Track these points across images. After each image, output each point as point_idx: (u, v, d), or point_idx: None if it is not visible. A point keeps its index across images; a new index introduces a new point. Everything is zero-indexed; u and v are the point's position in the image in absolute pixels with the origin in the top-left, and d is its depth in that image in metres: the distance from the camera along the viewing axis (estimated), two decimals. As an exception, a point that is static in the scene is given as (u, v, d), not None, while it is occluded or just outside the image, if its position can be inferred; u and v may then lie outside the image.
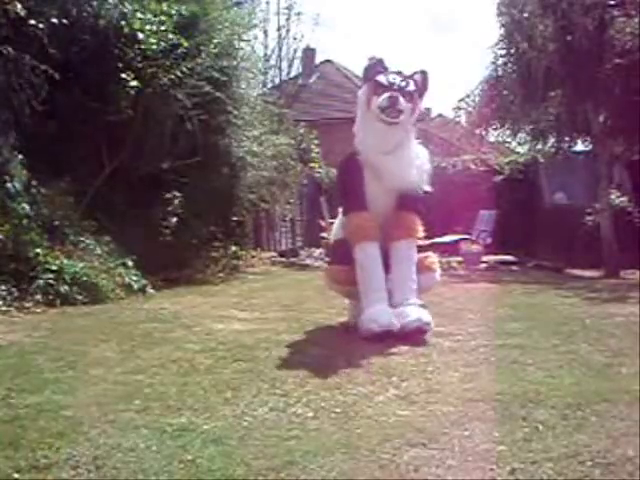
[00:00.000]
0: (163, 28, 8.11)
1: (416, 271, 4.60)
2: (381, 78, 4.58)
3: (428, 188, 4.89)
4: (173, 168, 8.53)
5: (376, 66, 4.72)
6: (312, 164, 14.29)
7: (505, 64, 11.35)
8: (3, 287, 5.90)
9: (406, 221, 4.63)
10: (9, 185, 6.35)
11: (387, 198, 4.61)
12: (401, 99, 4.51)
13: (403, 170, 4.57)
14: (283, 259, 12.53)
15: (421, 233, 4.73)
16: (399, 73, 4.65)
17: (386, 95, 4.46)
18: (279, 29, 22.23)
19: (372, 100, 4.56)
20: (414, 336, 4.22)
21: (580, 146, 12.67)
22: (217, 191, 9.13)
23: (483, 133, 13.03)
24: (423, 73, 4.72)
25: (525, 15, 10.51)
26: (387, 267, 4.53)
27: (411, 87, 4.59)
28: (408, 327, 4.24)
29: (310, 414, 2.79)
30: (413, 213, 4.70)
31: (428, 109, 34.48)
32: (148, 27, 8.07)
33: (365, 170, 4.61)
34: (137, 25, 8.02)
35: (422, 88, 4.70)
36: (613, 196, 11.97)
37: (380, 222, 4.58)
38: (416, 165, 4.69)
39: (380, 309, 4.32)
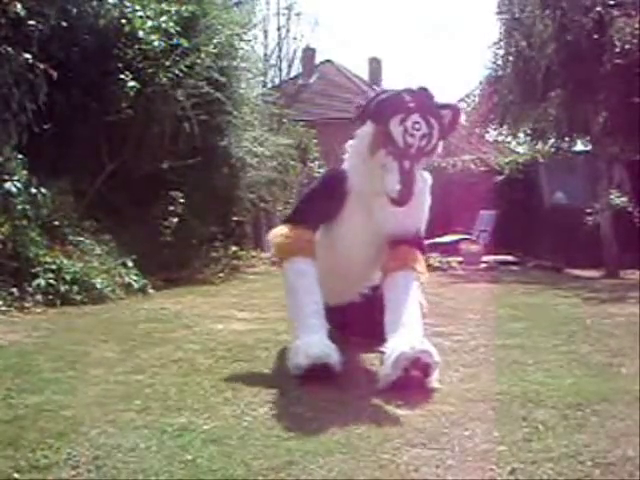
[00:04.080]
0: (164, 26, 8.11)
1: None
2: (396, 130, 3.48)
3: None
4: (173, 168, 8.53)
5: (392, 101, 3.59)
6: (312, 164, 14.28)
7: (505, 64, 11.36)
8: (3, 287, 5.90)
9: (400, 253, 3.73)
10: (9, 185, 6.34)
11: (374, 237, 3.84)
12: (417, 177, 3.58)
13: (402, 216, 3.70)
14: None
15: (422, 268, 3.81)
16: (422, 110, 3.53)
17: (397, 186, 3.43)
18: (279, 29, 22.28)
19: (378, 153, 3.57)
20: (414, 374, 3.18)
21: (580, 146, 12.68)
22: (217, 191, 9.13)
23: (483, 133, 13.04)
24: (454, 109, 3.75)
25: (525, 14, 10.51)
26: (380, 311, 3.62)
27: (433, 140, 3.57)
28: (405, 356, 3.15)
29: (310, 414, 2.79)
30: (410, 246, 3.81)
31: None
32: (149, 24, 8.07)
33: (350, 198, 3.82)
34: (137, 23, 8.02)
35: (450, 128, 3.69)
36: (613, 196, 11.98)
37: (358, 262, 3.93)
38: (418, 204, 3.82)
39: (312, 339, 3.36)
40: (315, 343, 3.32)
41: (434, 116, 3.56)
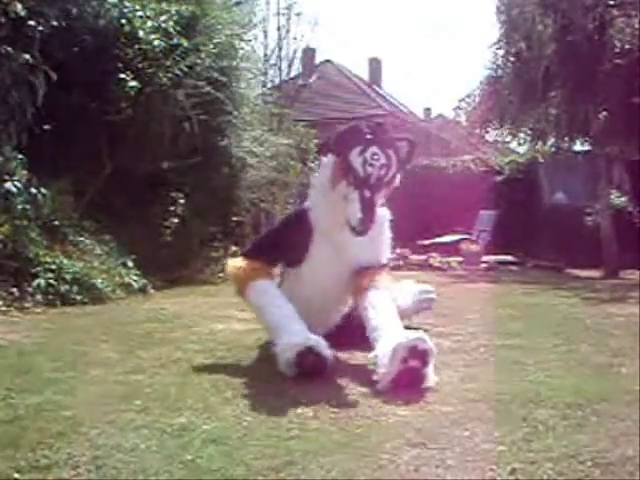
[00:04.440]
0: (164, 26, 8.11)
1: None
2: (356, 160, 3.62)
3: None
4: (173, 168, 8.53)
5: (351, 134, 3.73)
6: (312, 164, 14.29)
7: (505, 64, 11.37)
8: (3, 287, 5.90)
9: (368, 275, 3.84)
10: (9, 185, 6.35)
11: (342, 269, 3.91)
12: (378, 210, 3.73)
13: (368, 248, 3.85)
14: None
15: (389, 284, 3.97)
16: (380, 143, 3.68)
17: (358, 214, 3.53)
18: (279, 29, 22.20)
19: (339, 185, 3.69)
20: (413, 364, 3.15)
21: (580, 146, 12.69)
22: (217, 191, 9.13)
23: (483, 133, 13.05)
24: (410, 141, 3.90)
25: (525, 15, 10.51)
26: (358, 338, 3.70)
27: (392, 171, 3.72)
28: (402, 346, 3.16)
29: (310, 414, 2.79)
30: (375, 270, 3.92)
31: (428, 109, 34.69)
32: (149, 24, 8.08)
33: (315, 235, 3.90)
34: (137, 23, 8.03)
35: (407, 160, 3.85)
36: (613, 196, 11.99)
37: (331, 295, 3.99)
38: (382, 236, 4.02)
39: (293, 332, 3.44)
40: (296, 333, 3.41)
41: (392, 148, 3.73)
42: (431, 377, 3.20)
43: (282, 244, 3.97)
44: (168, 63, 8.03)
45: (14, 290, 5.91)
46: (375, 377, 3.21)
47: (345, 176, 3.66)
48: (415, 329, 3.55)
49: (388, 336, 3.34)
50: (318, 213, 3.92)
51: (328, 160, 3.88)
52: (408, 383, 3.10)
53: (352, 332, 3.81)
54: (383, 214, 4.02)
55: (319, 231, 3.91)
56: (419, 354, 3.14)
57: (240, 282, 3.95)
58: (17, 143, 6.67)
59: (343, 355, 3.78)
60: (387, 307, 3.67)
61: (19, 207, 6.39)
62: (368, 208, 3.57)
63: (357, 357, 3.80)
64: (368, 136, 3.69)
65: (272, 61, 21.11)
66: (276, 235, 4.19)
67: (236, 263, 4.06)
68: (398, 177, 3.82)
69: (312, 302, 3.92)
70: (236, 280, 4.01)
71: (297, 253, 3.92)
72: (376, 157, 3.66)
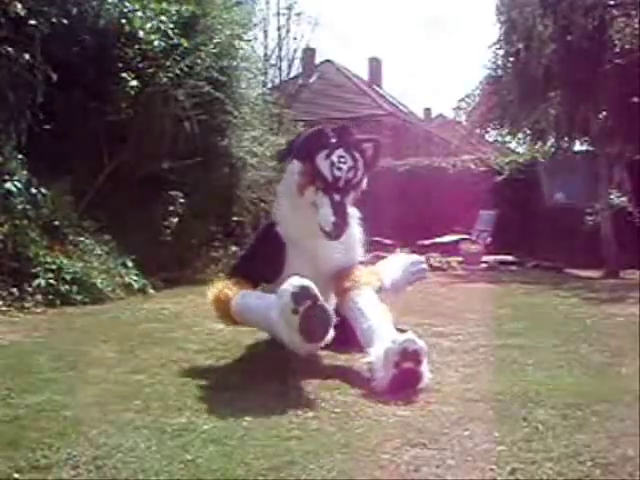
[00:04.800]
0: (163, 28, 8.11)
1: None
2: (323, 164, 3.59)
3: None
4: (173, 168, 8.53)
5: (316, 138, 3.68)
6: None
7: (505, 64, 11.37)
8: (3, 287, 5.90)
9: (348, 275, 3.81)
10: (9, 185, 6.35)
11: (321, 274, 3.81)
12: (349, 211, 3.69)
13: (342, 252, 3.84)
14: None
15: (370, 279, 3.92)
16: (345, 145, 3.65)
17: (331, 218, 3.51)
18: (279, 29, 22.27)
19: (307, 190, 3.65)
20: (406, 366, 3.11)
21: (580, 146, 12.69)
22: (217, 191, 9.13)
23: (483, 133, 13.05)
24: (375, 142, 3.88)
25: (525, 15, 10.51)
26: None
27: (359, 173, 3.70)
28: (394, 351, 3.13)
29: (310, 414, 2.79)
30: (354, 269, 3.90)
31: (428, 109, 34.73)
32: (149, 24, 8.08)
33: (288, 247, 3.86)
34: (137, 23, 8.03)
35: (373, 161, 3.81)
36: (613, 196, 11.98)
37: None
38: (355, 236, 4.00)
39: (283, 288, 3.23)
40: (286, 284, 3.20)
41: (358, 150, 3.71)
42: (427, 374, 3.19)
43: (257, 265, 3.89)
44: (168, 63, 8.03)
45: (14, 290, 5.92)
46: (373, 383, 3.18)
47: (313, 182, 3.61)
48: (402, 331, 3.48)
49: (379, 339, 3.32)
50: (287, 224, 3.87)
51: (293, 167, 3.76)
52: (405, 384, 3.09)
53: (346, 330, 3.73)
54: (352, 212, 3.96)
55: (291, 242, 3.85)
56: (411, 355, 3.12)
57: (221, 303, 3.86)
58: (17, 143, 6.67)
59: (342, 356, 3.78)
60: (372, 307, 3.63)
61: (19, 207, 6.39)
62: (340, 212, 3.54)
63: (356, 358, 3.79)
64: (333, 139, 3.65)
65: (272, 61, 21.16)
66: (250, 256, 4.10)
67: (217, 286, 3.94)
68: (365, 179, 3.79)
69: None
70: (217, 302, 3.89)
71: (273, 270, 3.81)
72: (343, 160, 3.62)
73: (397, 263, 4.86)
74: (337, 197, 3.58)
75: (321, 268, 3.83)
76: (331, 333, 3.23)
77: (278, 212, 3.99)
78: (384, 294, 4.04)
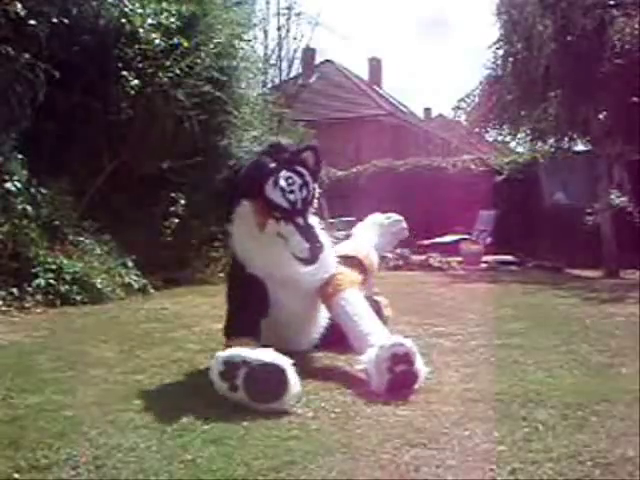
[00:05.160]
0: (165, 23, 8.11)
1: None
2: (274, 195, 3.43)
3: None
4: (173, 168, 8.53)
5: (257, 171, 3.51)
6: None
7: (504, 64, 11.37)
8: (3, 287, 5.90)
9: (330, 281, 3.70)
10: (9, 185, 6.35)
11: (303, 293, 3.73)
12: (321, 239, 3.54)
13: (319, 265, 3.62)
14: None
15: (352, 278, 3.85)
16: (287, 164, 3.50)
17: (304, 245, 3.41)
18: (279, 29, 22.27)
19: (267, 224, 3.48)
20: (400, 369, 3.07)
21: (580, 146, 12.69)
22: (217, 191, 9.12)
23: (483, 133, 13.05)
24: (312, 148, 3.72)
25: (525, 15, 10.51)
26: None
27: (310, 185, 3.57)
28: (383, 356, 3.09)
29: (310, 414, 2.79)
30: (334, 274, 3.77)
31: (428, 109, 34.72)
32: (149, 21, 8.08)
33: (267, 283, 3.63)
34: (137, 21, 8.03)
35: (316, 168, 3.65)
36: (613, 196, 11.98)
37: (303, 316, 3.84)
38: (327, 246, 3.81)
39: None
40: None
41: (299, 164, 3.57)
42: (423, 370, 3.15)
43: (248, 316, 3.58)
44: (168, 63, 8.03)
45: (14, 290, 5.92)
46: (371, 388, 3.14)
47: (270, 214, 3.46)
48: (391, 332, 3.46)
49: (369, 345, 3.26)
50: (258, 263, 3.65)
51: (244, 208, 3.56)
52: (403, 385, 3.07)
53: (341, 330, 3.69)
54: (314, 223, 3.79)
55: (268, 278, 3.64)
56: (402, 358, 3.08)
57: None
58: (17, 143, 6.67)
59: (342, 356, 3.77)
60: (359, 311, 3.54)
61: (19, 207, 6.39)
62: (310, 235, 3.44)
63: (355, 358, 3.79)
64: (272, 165, 3.51)
65: (272, 61, 21.15)
66: (238, 311, 3.72)
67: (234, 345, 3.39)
68: (316, 188, 3.67)
69: (290, 326, 3.80)
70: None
71: (264, 310, 3.61)
72: (291, 181, 3.49)
73: (374, 226, 4.83)
74: (301, 221, 3.47)
75: (304, 288, 3.71)
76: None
77: (244, 254, 3.73)
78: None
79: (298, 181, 3.52)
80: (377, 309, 4.03)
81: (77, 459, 2.29)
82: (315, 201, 3.69)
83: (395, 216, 5.04)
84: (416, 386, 3.13)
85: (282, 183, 3.46)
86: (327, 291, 3.69)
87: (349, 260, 4.20)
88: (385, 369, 3.07)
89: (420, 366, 3.16)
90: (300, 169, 3.55)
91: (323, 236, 3.77)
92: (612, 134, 10.75)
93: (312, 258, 3.46)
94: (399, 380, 3.07)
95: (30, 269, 6.17)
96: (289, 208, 3.46)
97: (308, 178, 3.57)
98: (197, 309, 6.00)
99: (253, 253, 3.68)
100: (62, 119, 7.44)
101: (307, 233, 3.45)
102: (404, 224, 5.00)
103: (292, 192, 3.48)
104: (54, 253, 6.45)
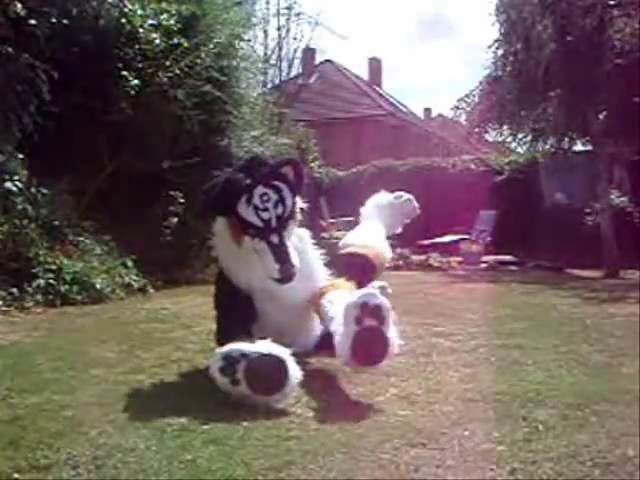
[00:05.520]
0: (165, 24, 8.12)
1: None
2: (247, 213, 3.37)
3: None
4: (173, 168, 8.53)
5: (229, 188, 3.38)
6: (312, 164, 14.29)
7: (504, 64, 11.36)
8: (3, 287, 5.90)
9: (322, 295, 3.58)
10: (9, 184, 6.35)
11: (293, 299, 3.65)
12: (291, 247, 3.43)
13: (305, 277, 3.56)
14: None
15: (340, 283, 3.69)
16: (263, 180, 3.42)
17: (275, 266, 3.34)
18: (279, 29, 22.21)
19: (243, 240, 3.43)
20: (369, 323, 2.91)
21: (580, 146, 12.69)
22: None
23: (483, 133, 13.04)
24: (292, 162, 3.63)
25: (524, 15, 10.51)
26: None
27: (288, 201, 3.46)
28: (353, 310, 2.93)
29: (310, 414, 2.79)
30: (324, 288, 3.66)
31: (428, 109, 34.71)
32: (149, 22, 8.08)
33: (255, 297, 3.59)
34: (137, 21, 8.03)
35: (298, 182, 3.54)
36: (613, 196, 11.98)
37: (299, 317, 3.77)
38: (308, 255, 3.74)
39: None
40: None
41: (277, 179, 3.47)
42: (395, 341, 2.98)
43: (238, 330, 3.44)
44: (168, 63, 8.04)
45: (14, 290, 5.92)
46: (337, 354, 3.04)
47: (244, 231, 3.39)
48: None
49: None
50: (243, 276, 3.58)
51: (219, 225, 3.55)
52: (370, 346, 2.90)
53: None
54: (302, 235, 3.77)
55: (255, 289, 3.58)
56: (372, 311, 2.88)
57: None
58: (17, 142, 6.67)
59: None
60: (343, 298, 3.29)
61: (19, 207, 6.39)
62: (282, 255, 3.33)
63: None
64: (247, 181, 3.40)
65: (272, 61, 21.12)
66: (229, 327, 3.60)
67: None
68: (298, 202, 3.57)
69: (280, 335, 3.56)
70: None
71: (250, 318, 3.53)
72: (266, 198, 3.40)
73: (383, 208, 4.69)
74: (275, 239, 3.37)
75: (290, 301, 3.62)
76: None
77: (228, 267, 3.67)
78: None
79: (274, 197, 3.42)
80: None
81: (77, 459, 2.28)
82: (297, 215, 3.59)
83: (405, 195, 4.88)
84: (385, 362, 2.99)
85: (255, 201, 3.38)
86: (316, 302, 3.59)
87: (356, 258, 4.11)
88: (353, 319, 2.89)
89: (392, 334, 2.96)
90: (278, 184, 3.45)
91: (311, 251, 3.70)
92: (612, 134, 10.74)
93: (284, 278, 3.37)
94: (366, 336, 2.88)
95: (30, 269, 6.17)
96: (262, 226, 3.38)
97: (286, 194, 3.47)
98: (197, 309, 5.99)
99: (235, 267, 3.61)
100: (62, 119, 7.44)
101: (280, 253, 3.35)
102: (415, 203, 4.84)
103: (266, 210, 3.39)
104: (54, 253, 6.45)
